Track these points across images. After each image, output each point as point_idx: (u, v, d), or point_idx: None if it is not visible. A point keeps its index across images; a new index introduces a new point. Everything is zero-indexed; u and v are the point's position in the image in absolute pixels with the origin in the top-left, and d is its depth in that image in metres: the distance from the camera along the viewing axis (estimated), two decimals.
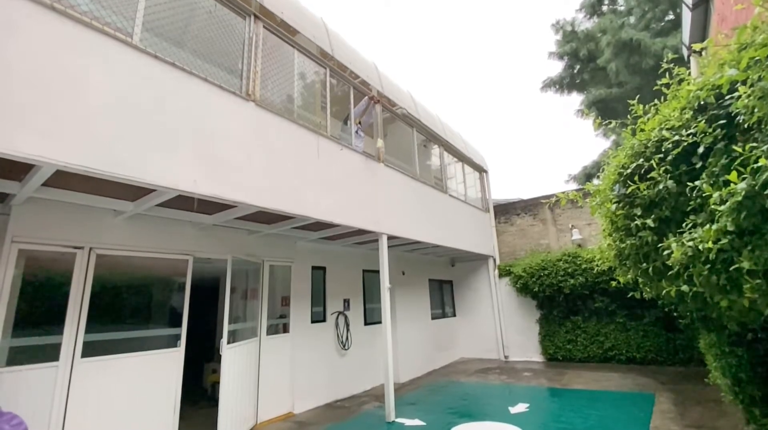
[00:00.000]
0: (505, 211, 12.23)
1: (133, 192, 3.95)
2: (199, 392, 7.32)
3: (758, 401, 3.71)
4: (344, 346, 7.28)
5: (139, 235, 4.70)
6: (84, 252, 4.19)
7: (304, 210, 4.77)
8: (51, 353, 3.82)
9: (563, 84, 18.46)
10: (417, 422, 5.43)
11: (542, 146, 61.57)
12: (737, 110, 2.13)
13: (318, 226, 5.84)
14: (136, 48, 3.38)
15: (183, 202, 4.26)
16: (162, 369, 4.59)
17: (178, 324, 4.84)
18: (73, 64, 2.94)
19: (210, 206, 4.58)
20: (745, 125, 2.12)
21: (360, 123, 6.38)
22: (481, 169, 11.48)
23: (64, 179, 3.50)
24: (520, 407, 5.81)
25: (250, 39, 4.50)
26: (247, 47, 4.47)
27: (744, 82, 2.08)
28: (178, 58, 3.72)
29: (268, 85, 4.72)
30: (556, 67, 22.05)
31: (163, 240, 4.90)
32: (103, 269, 4.33)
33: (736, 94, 2.15)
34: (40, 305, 3.88)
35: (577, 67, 17.90)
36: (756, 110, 1.94)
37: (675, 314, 5.46)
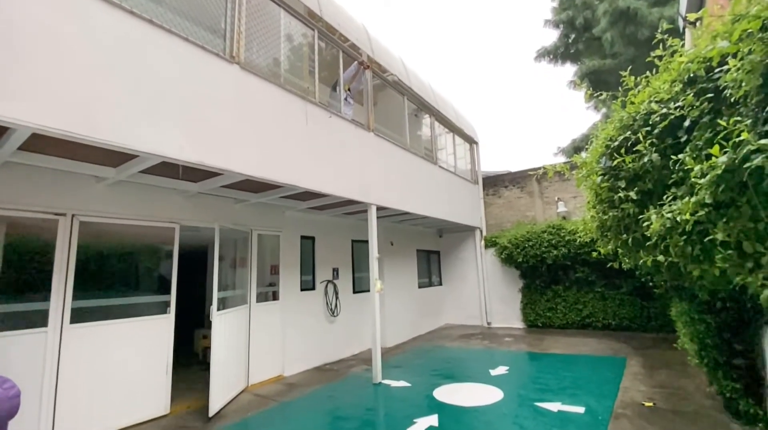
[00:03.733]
0: (493, 183, 12.30)
1: (115, 158, 3.83)
2: (191, 356, 7.49)
3: (721, 365, 3.98)
4: (333, 313, 7.46)
5: (124, 202, 4.61)
6: (66, 219, 4.11)
7: (292, 179, 4.71)
8: (39, 319, 3.83)
9: (557, 54, 18.09)
10: (402, 383, 5.69)
11: (533, 118, 61.20)
12: (725, 84, 2.14)
13: (306, 195, 5.80)
14: (109, 1, 3.16)
15: (167, 169, 4.16)
16: (153, 335, 4.66)
17: (167, 291, 4.87)
18: (44, 19, 2.75)
19: (195, 174, 4.49)
20: (732, 99, 2.14)
21: (349, 89, 6.21)
22: (471, 141, 11.42)
23: (41, 143, 3.36)
24: (501, 370, 6.13)
25: None
26: (230, 4, 4.22)
27: (735, 55, 2.08)
28: (155, 15, 3.50)
29: (253, 47, 4.51)
30: (551, 37, 21.53)
31: (148, 208, 4.83)
32: (88, 237, 4.27)
33: (726, 67, 2.15)
34: (25, 272, 3.83)
35: (573, 36, 17.49)
36: (743, 84, 1.96)
37: (650, 283, 5.71)
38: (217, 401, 4.68)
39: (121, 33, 3.21)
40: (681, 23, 6.61)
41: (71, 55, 2.88)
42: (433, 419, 4.26)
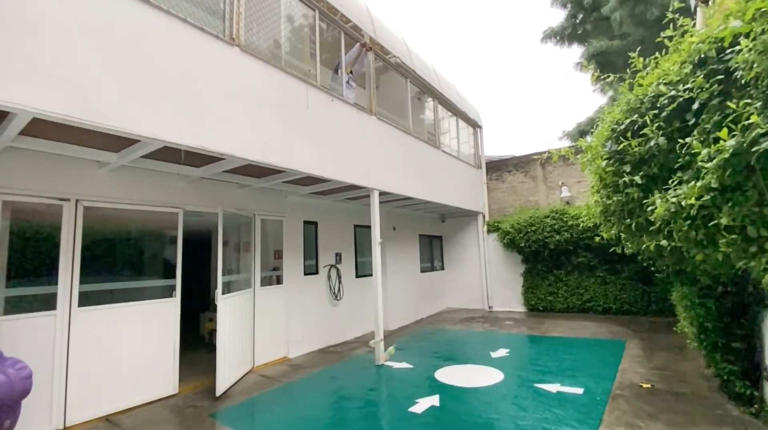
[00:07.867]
0: (497, 168, 12.21)
1: (116, 142, 3.81)
2: (198, 339, 7.64)
3: (720, 348, 4.03)
4: (336, 297, 7.55)
5: (127, 187, 4.62)
6: (70, 204, 4.13)
7: (294, 164, 4.69)
8: (47, 303, 3.90)
9: (564, 35, 17.64)
10: (404, 365, 5.79)
11: (537, 102, 60.26)
12: (737, 65, 2.09)
13: (309, 180, 5.78)
14: None
15: (169, 154, 4.14)
16: (160, 318, 4.75)
17: (173, 275, 4.93)
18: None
19: (197, 158, 4.47)
20: (743, 81, 2.09)
21: (351, 72, 6.11)
22: (475, 125, 11.28)
23: (42, 128, 3.34)
24: (501, 352, 6.22)
25: None
26: None
27: (747, 35, 2.02)
28: None
29: (253, 28, 4.42)
30: (558, 17, 21.03)
31: (151, 193, 4.84)
32: (93, 222, 4.30)
33: (737, 47, 2.10)
34: (32, 256, 3.88)
35: (580, 16, 17.02)
36: (755, 65, 1.91)
37: (652, 268, 5.73)
38: (223, 381, 4.80)
39: (117, 14, 3.15)
40: (692, 2, 6.41)
41: (67, 38, 2.84)
42: (435, 400, 4.36)
